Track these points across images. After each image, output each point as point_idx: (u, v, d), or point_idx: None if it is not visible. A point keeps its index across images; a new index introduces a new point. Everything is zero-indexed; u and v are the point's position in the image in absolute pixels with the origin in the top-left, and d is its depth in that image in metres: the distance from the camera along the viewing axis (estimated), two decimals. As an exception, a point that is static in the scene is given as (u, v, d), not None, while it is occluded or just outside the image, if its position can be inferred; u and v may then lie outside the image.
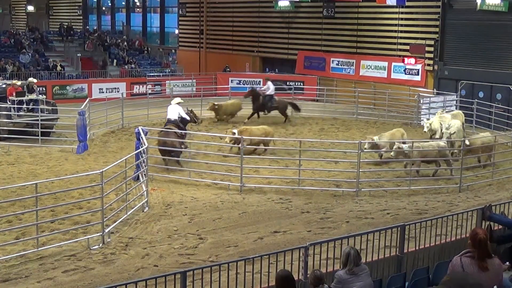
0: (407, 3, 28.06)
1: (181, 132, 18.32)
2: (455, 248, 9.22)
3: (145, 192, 14.52)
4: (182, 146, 18.12)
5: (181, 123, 18.92)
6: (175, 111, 18.94)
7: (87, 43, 38.01)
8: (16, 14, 56.57)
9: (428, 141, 18.62)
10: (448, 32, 27.71)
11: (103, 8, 51.19)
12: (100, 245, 11.97)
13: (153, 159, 17.35)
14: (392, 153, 17.22)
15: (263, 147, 19.42)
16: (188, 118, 19.47)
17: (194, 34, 40.26)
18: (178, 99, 19.74)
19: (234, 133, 18.94)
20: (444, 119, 20.99)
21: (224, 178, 16.79)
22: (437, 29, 27.97)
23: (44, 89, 28.41)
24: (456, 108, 26.02)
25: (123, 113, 24.00)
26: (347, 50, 32.19)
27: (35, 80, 23.58)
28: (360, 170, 16.22)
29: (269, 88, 25.69)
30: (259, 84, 32.94)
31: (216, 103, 24.76)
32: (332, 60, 32.61)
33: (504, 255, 7.41)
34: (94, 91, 30.71)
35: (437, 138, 20.01)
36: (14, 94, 21.78)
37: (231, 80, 33.27)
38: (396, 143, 17.56)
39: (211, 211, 14.20)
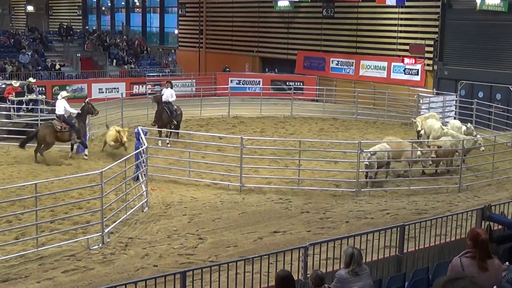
0: (406, 3, 28.06)
1: (63, 127, 18.61)
2: (455, 248, 9.22)
3: (144, 192, 14.52)
4: (73, 138, 18.85)
5: (68, 117, 18.91)
6: (60, 106, 18.91)
7: (86, 43, 37.99)
8: (16, 14, 56.52)
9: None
10: (448, 32, 27.71)
11: (103, 8, 51.18)
12: (100, 245, 11.97)
13: (153, 159, 17.34)
14: (366, 162, 16.27)
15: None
16: (74, 111, 19.14)
17: (193, 34, 40.26)
18: (64, 93, 19.77)
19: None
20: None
21: (224, 178, 16.79)
22: (436, 29, 27.97)
23: (43, 89, 28.40)
24: (455, 108, 26.08)
25: (123, 113, 24.00)
26: (347, 50, 32.19)
27: (33, 80, 23.56)
28: (360, 170, 16.21)
29: (173, 95, 21.61)
30: (259, 84, 32.98)
31: None
32: (332, 60, 32.62)
33: (503, 255, 7.41)
34: (93, 91, 30.71)
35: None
36: (13, 94, 21.79)
37: (231, 80, 33.26)
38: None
39: (210, 211, 14.19)
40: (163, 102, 21.18)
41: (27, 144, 18.97)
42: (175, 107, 21.57)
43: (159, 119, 21.08)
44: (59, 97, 19.41)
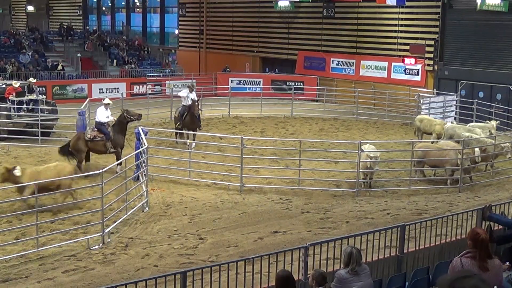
0: (407, 3, 28.06)
1: (93, 136, 17.41)
2: (455, 248, 9.23)
3: (145, 192, 14.52)
4: (107, 148, 17.50)
5: (100, 126, 17.63)
6: (96, 114, 18.08)
7: (87, 43, 37.99)
8: (16, 14, 56.57)
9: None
10: (448, 32, 27.71)
11: (103, 8, 51.20)
12: (100, 245, 11.97)
13: (153, 159, 17.34)
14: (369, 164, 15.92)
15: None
16: (103, 120, 17.71)
17: (194, 34, 40.27)
18: (105, 100, 18.49)
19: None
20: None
21: (224, 178, 16.79)
22: (437, 29, 27.97)
23: (44, 89, 28.40)
24: (456, 108, 26.09)
25: (123, 113, 23.96)
26: (347, 50, 32.19)
27: (33, 80, 23.58)
28: (360, 170, 16.21)
29: (195, 99, 21.27)
30: (259, 84, 32.98)
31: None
32: (332, 60, 32.62)
33: (504, 255, 7.41)
34: (94, 91, 30.71)
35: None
36: (13, 94, 21.81)
37: (231, 80, 33.28)
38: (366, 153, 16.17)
39: (211, 211, 14.20)
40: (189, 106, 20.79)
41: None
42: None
43: (192, 123, 20.68)
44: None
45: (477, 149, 16.87)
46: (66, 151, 17.37)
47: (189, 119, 20.85)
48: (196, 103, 20.85)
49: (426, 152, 17.10)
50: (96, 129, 17.62)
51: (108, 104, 18.26)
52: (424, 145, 17.88)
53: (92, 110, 22.57)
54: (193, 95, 21.31)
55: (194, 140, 20.41)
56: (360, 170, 16.10)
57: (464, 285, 3.74)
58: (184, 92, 21.69)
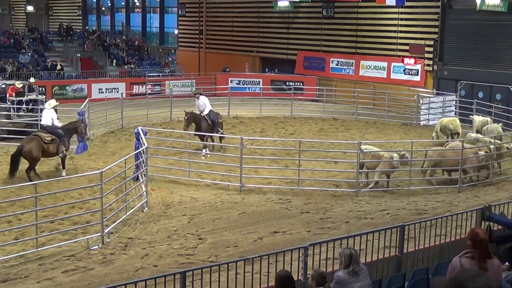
0: (406, 3, 28.08)
1: (51, 138, 16.77)
2: (455, 248, 9.22)
3: (144, 192, 14.52)
4: (61, 151, 16.91)
5: (54, 129, 17.04)
6: (47, 116, 17.13)
7: (86, 43, 38.01)
8: (16, 14, 56.55)
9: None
10: (448, 32, 27.72)
11: (103, 8, 51.18)
12: (100, 245, 11.97)
13: (153, 160, 17.33)
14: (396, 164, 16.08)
15: None
16: (59, 124, 17.30)
17: (193, 34, 40.27)
18: (53, 102, 17.84)
19: None
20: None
21: (224, 178, 16.79)
22: (436, 29, 27.98)
23: (43, 89, 28.41)
24: (455, 108, 26.11)
25: (123, 113, 24.00)
26: (347, 50, 32.19)
27: (33, 80, 23.62)
28: (360, 170, 16.21)
29: (206, 105, 20.43)
30: (259, 84, 32.98)
31: None
32: (332, 60, 32.63)
33: (503, 255, 7.41)
34: (93, 91, 30.74)
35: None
36: (13, 94, 21.86)
37: (231, 80, 33.27)
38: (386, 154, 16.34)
39: (210, 211, 14.20)
40: (209, 113, 20.08)
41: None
42: (215, 114, 20.49)
43: (207, 130, 19.66)
44: (47, 105, 17.64)
45: (492, 146, 16.94)
46: (17, 161, 16.30)
47: (198, 127, 20.02)
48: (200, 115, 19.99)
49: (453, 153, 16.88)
50: (47, 132, 16.95)
51: (54, 106, 17.69)
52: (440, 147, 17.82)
53: (92, 110, 22.68)
54: (199, 102, 20.48)
55: (220, 142, 20.20)
56: (383, 169, 16.05)
57: (477, 285, 3.68)
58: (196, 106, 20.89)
